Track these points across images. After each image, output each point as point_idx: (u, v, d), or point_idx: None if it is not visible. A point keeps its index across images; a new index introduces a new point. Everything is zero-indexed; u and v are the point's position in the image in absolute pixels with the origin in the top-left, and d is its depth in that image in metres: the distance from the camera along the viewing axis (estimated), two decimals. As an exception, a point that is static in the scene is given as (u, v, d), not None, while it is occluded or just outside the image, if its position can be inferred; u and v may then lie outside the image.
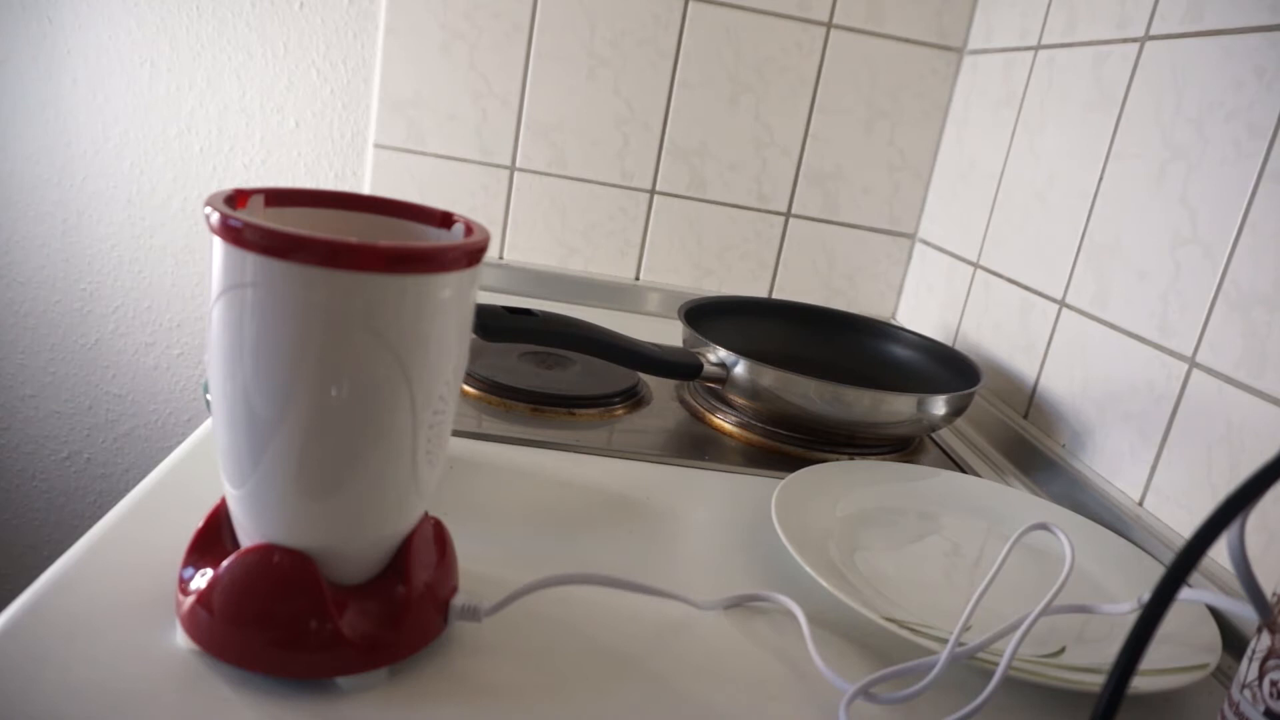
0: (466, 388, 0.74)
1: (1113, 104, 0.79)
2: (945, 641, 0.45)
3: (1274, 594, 0.37)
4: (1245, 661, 0.37)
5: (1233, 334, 0.61)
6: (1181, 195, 0.68)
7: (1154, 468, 0.67)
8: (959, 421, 0.90)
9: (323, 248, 0.33)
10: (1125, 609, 0.52)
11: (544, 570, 0.46)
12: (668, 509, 0.61)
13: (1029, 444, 0.80)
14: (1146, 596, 0.27)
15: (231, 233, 0.34)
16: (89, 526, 0.47)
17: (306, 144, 1.13)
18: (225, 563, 0.38)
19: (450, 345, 0.38)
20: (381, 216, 0.43)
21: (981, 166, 1.02)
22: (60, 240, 1.14)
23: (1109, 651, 0.50)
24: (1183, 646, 0.49)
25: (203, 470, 0.55)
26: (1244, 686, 0.36)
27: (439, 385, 0.38)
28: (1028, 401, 0.85)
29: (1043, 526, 0.51)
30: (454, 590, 0.43)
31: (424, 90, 1.06)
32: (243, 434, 0.36)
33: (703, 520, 0.60)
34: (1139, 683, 0.45)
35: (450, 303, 0.37)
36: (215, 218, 0.34)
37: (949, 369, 0.86)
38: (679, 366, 0.74)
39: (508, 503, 0.58)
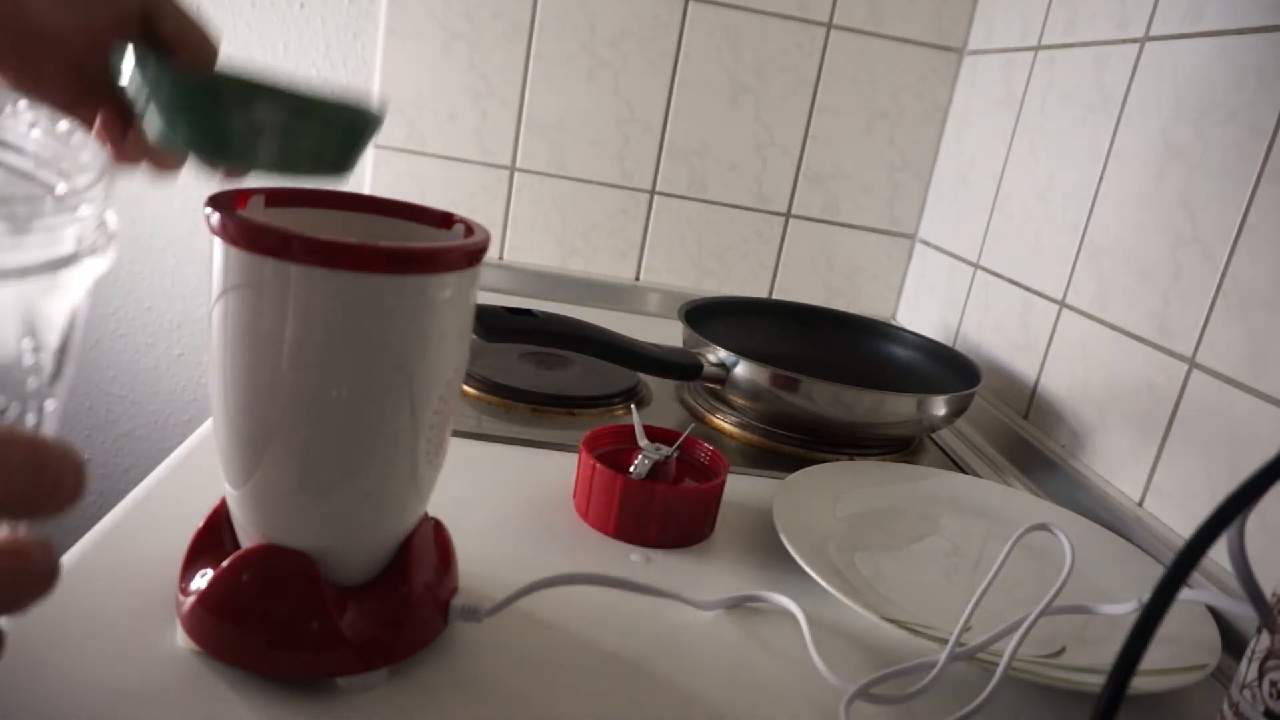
0: (466, 388, 0.74)
1: (1113, 104, 0.79)
2: (945, 641, 0.45)
3: (1274, 594, 0.37)
4: (1245, 661, 0.37)
5: (1233, 334, 0.61)
6: (1181, 195, 0.68)
7: (1154, 468, 0.67)
8: (959, 422, 0.90)
9: (323, 248, 0.33)
10: (1125, 609, 0.52)
11: (544, 570, 0.46)
12: (668, 509, 0.61)
13: (1029, 444, 0.80)
14: (1146, 596, 0.27)
15: (232, 233, 0.34)
16: (89, 526, 0.47)
17: (306, 144, 1.13)
18: (225, 563, 0.38)
19: (450, 345, 0.38)
20: (381, 216, 0.43)
21: (981, 166, 1.02)
22: (60, 240, 1.14)
23: (1109, 651, 0.50)
24: (1183, 646, 0.49)
25: (203, 470, 0.55)
26: (1244, 686, 0.36)
27: (439, 385, 0.38)
28: (1028, 402, 0.85)
29: (1043, 526, 0.51)
30: (454, 591, 0.43)
31: (424, 90, 1.06)
32: (243, 434, 0.36)
33: (703, 520, 0.60)
34: (1139, 683, 0.45)
35: (450, 303, 0.37)
36: (216, 218, 0.34)
37: (949, 369, 0.86)
38: (679, 367, 0.74)
39: (508, 503, 0.58)
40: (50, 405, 0.23)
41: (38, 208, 0.20)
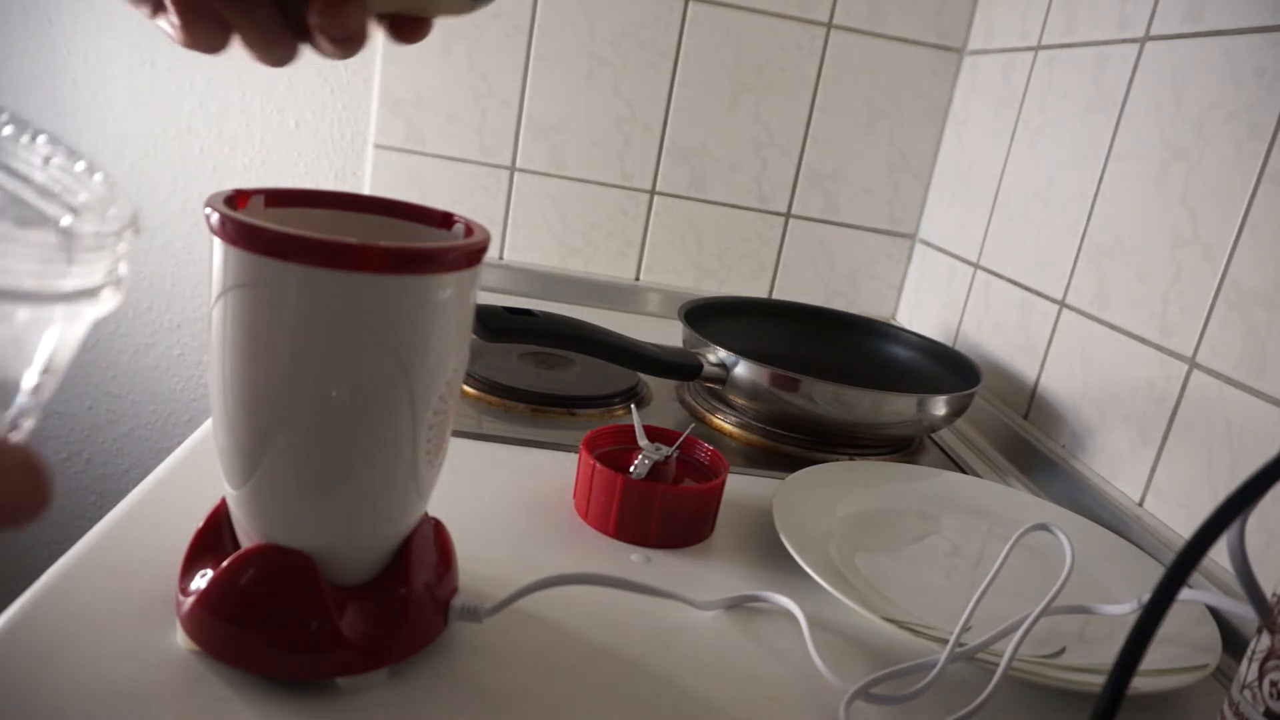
0: (466, 388, 0.74)
1: (1113, 104, 0.79)
2: (945, 641, 0.45)
3: (1274, 594, 0.37)
4: (1245, 662, 0.37)
5: (1233, 334, 0.61)
6: (1181, 195, 0.68)
7: (1154, 468, 0.67)
8: (959, 421, 0.90)
9: (323, 248, 0.33)
10: (1125, 609, 0.52)
11: (544, 570, 0.46)
12: (668, 509, 0.61)
13: (1029, 444, 0.80)
14: (1146, 596, 0.27)
15: (232, 233, 0.34)
16: (89, 526, 0.47)
17: (306, 144, 1.13)
18: (225, 563, 0.38)
19: (450, 346, 0.38)
20: (381, 216, 0.43)
21: (981, 167, 1.02)
22: (60, 240, 1.14)
23: (1109, 651, 0.50)
24: (1183, 646, 0.49)
25: (203, 470, 0.55)
26: (1244, 687, 0.36)
27: (439, 385, 0.38)
28: (1028, 402, 0.85)
29: (1043, 526, 0.51)
30: (454, 591, 0.43)
31: (424, 90, 1.06)
32: (243, 434, 0.36)
33: (703, 520, 0.60)
34: (1139, 683, 0.45)
35: (450, 303, 0.37)
36: (215, 218, 0.34)
37: (949, 369, 0.86)
38: (679, 367, 0.74)
39: (508, 503, 0.58)
40: (27, 425, 0.23)
41: (84, 239, 0.21)
